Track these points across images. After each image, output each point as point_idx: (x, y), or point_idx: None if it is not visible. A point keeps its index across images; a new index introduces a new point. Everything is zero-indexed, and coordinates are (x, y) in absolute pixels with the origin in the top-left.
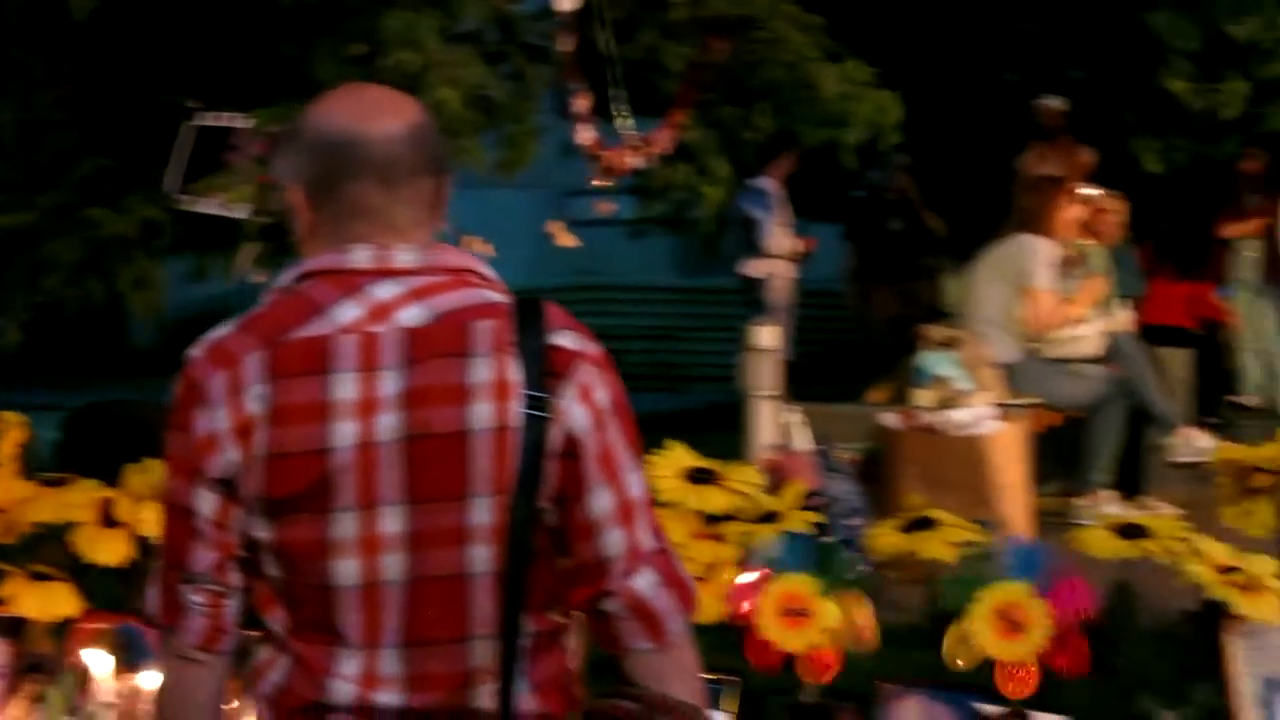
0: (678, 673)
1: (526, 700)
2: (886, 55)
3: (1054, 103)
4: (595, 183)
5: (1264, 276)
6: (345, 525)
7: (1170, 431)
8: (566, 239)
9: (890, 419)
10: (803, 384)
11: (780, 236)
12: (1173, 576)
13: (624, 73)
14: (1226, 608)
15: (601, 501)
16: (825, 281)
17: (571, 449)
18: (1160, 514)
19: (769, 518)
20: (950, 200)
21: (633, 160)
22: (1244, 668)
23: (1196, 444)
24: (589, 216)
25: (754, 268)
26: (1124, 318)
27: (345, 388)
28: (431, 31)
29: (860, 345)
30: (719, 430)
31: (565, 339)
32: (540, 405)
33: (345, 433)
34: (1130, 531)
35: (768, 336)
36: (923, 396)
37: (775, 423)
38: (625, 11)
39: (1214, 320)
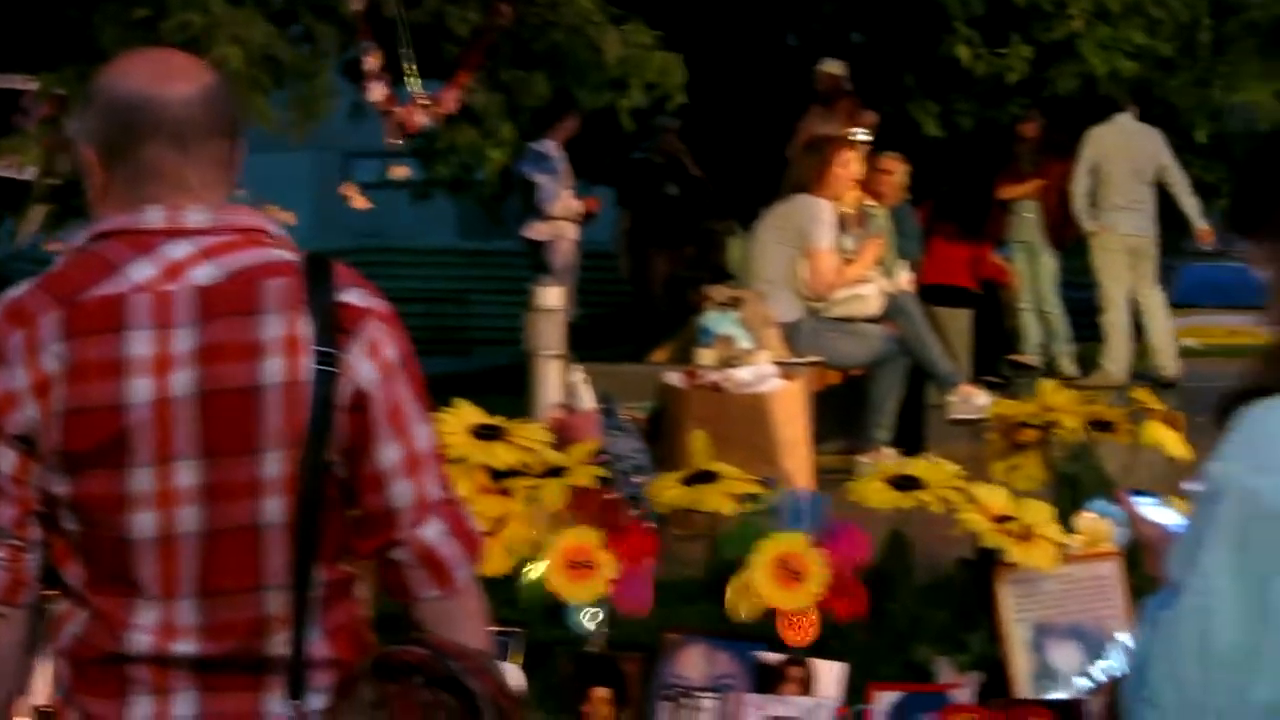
0: (465, 619)
1: (319, 647)
2: (669, 18)
3: (833, 66)
4: (388, 141)
5: (1042, 237)
6: (141, 479)
7: (950, 389)
8: (360, 201)
9: (674, 378)
10: (587, 345)
11: (563, 199)
12: (949, 526)
13: (411, 35)
14: (1000, 555)
15: (390, 454)
16: (609, 244)
17: (360, 403)
18: (935, 465)
19: (555, 473)
20: (734, 163)
21: (422, 119)
22: (1015, 614)
23: (975, 401)
24: (373, 179)
25: (537, 230)
26: (904, 278)
27: (140, 345)
28: None
29: (641, 307)
30: (503, 392)
31: (353, 296)
32: (330, 360)
33: (141, 389)
34: (905, 483)
35: (552, 297)
36: (705, 355)
37: (560, 382)
38: None
39: (993, 280)
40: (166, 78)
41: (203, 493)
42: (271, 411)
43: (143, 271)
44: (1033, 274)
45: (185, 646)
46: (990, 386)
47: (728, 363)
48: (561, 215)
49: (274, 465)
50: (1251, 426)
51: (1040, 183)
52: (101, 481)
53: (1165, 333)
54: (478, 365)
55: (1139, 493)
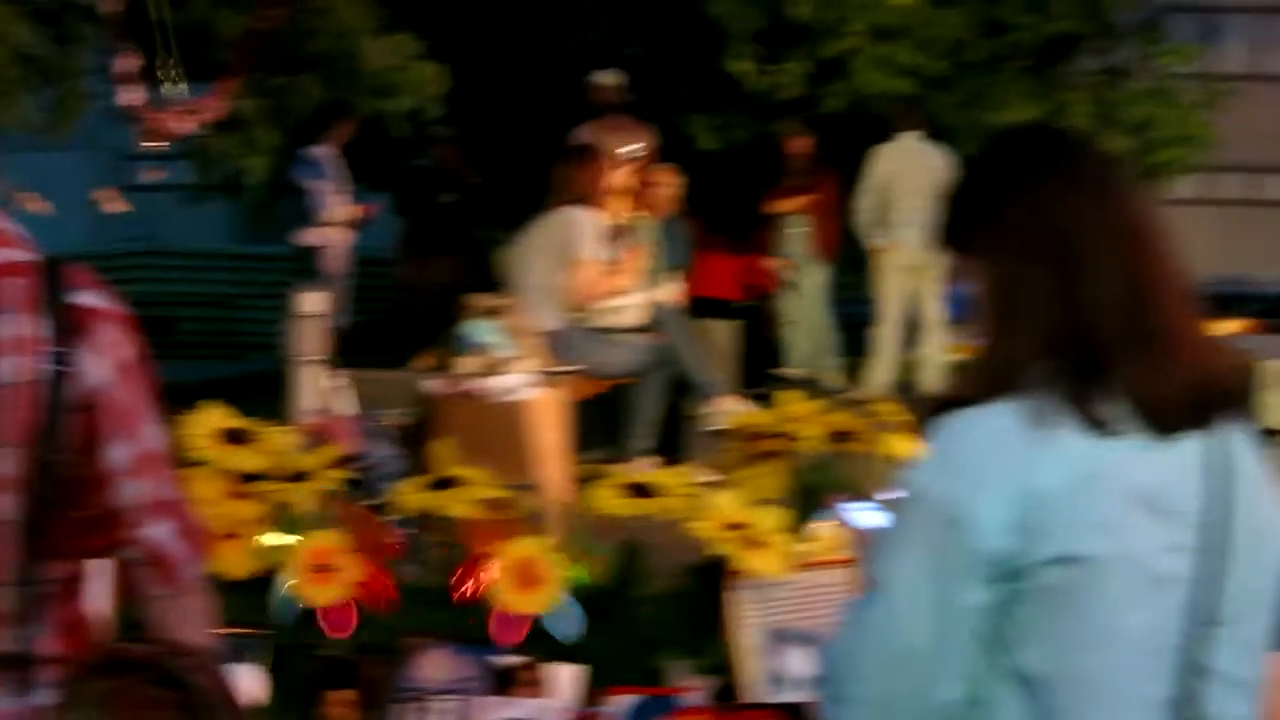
0: (192, 618)
1: (46, 643)
2: (442, 29)
3: (607, 78)
4: (143, 145)
5: (812, 252)
6: None
7: (710, 400)
8: (116, 205)
9: (434, 385)
10: (357, 351)
11: (335, 204)
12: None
13: (177, 39)
14: (732, 562)
15: (120, 454)
16: (383, 250)
17: (92, 403)
18: (673, 472)
19: (300, 477)
20: (508, 172)
21: (179, 125)
22: (747, 620)
23: (734, 413)
24: (149, 182)
25: (309, 236)
26: (669, 289)
27: None
28: None
29: (413, 314)
30: (272, 397)
31: (88, 298)
32: (63, 360)
33: None
34: (639, 490)
35: (311, 302)
36: (465, 363)
37: (318, 388)
38: None
39: (763, 293)
40: None
41: None
42: (5, 410)
43: None
44: (802, 288)
45: None
46: (756, 399)
47: (487, 371)
48: (333, 221)
49: (6, 463)
50: (947, 437)
51: (810, 198)
52: None
53: (937, 349)
54: (248, 370)
55: (858, 500)
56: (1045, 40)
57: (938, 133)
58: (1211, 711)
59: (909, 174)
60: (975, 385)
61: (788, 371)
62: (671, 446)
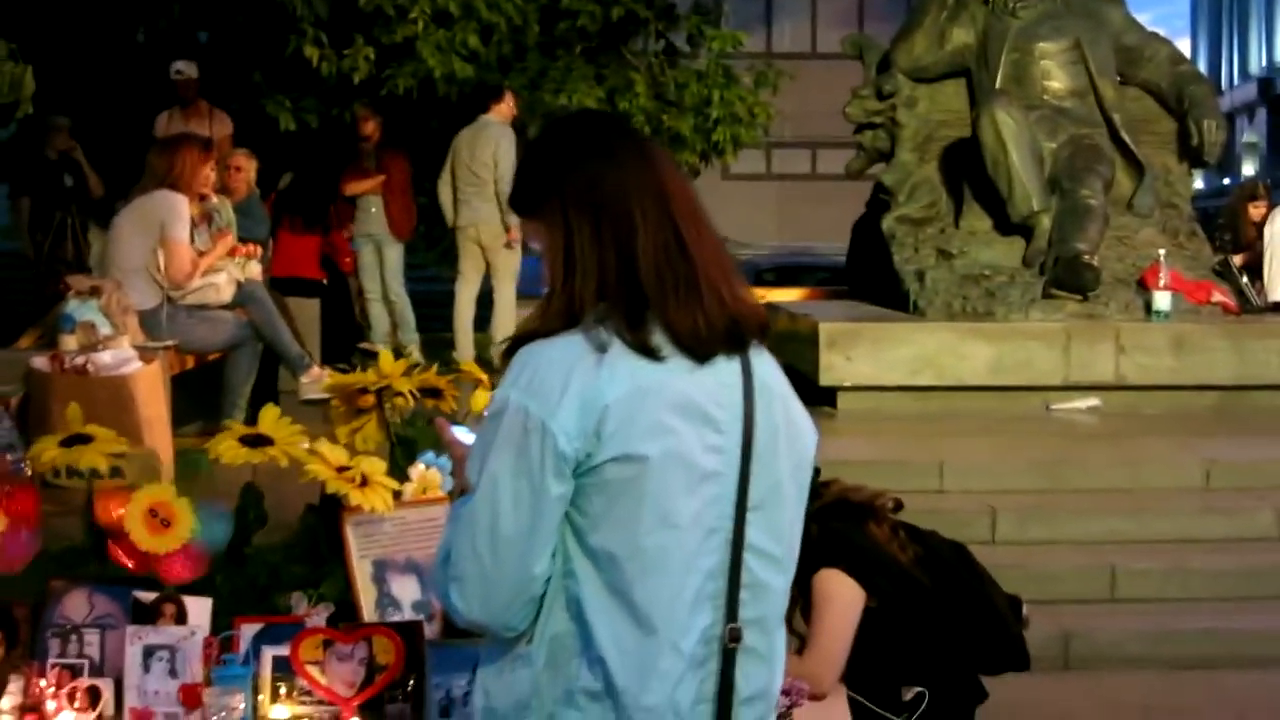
0: None
1: None
2: (21, 28)
3: (184, 68)
4: None
5: (387, 230)
6: None
7: (301, 372)
8: None
9: (40, 362)
10: None
11: None
12: (298, 479)
13: None
14: (344, 500)
15: None
16: None
17: None
18: (284, 424)
19: None
20: (108, 160)
21: None
22: (358, 552)
23: (325, 383)
24: None
25: None
26: (254, 268)
27: None
28: None
29: (18, 294)
30: None
31: None
32: None
33: None
34: (256, 441)
35: None
36: (69, 341)
37: None
38: None
39: (339, 271)
40: None
41: None
42: None
43: None
44: (379, 266)
45: None
46: (340, 372)
47: (90, 348)
48: None
49: None
50: (523, 362)
51: (382, 178)
52: None
53: (504, 323)
54: None
55: (455, 423)
56: (605, 24)
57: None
58: (751, 579)
59: (476, 148)
60: (545, 322)
61: (369, 346)
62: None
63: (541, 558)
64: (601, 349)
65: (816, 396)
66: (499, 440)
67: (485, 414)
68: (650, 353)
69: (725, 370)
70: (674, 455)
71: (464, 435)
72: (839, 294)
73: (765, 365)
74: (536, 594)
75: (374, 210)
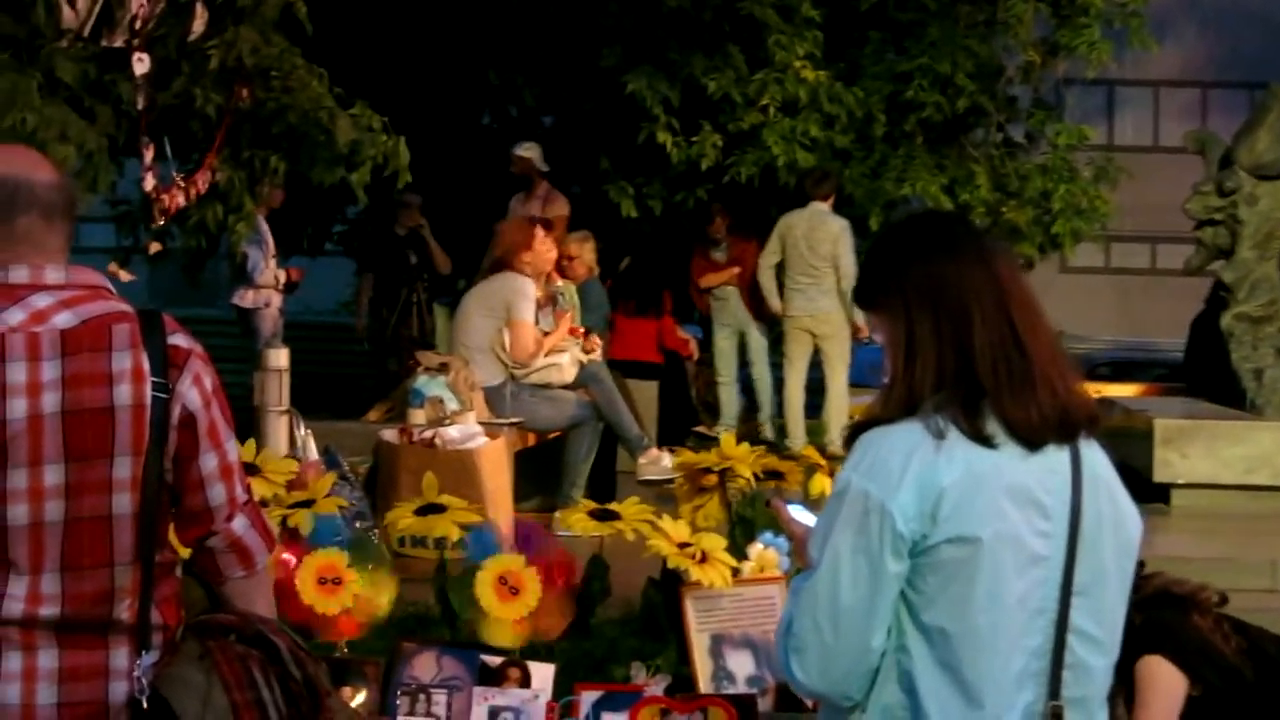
0: (261, 595)
1: (152, 614)
2: (388, 101)
3: (527, 150)
4: (156, 224)
5: (749, 316)
6: (18, 479)
7: (640, 452)
8: (125, 275)
9: (389, 435)
10: (303, 404)
11: (269, 268)
12: (641, 553)
13: (160, 117)
14: (684, 575)
15: (209, 462)
16: (327, 312)
17: (187, 421)
18: (629, 504)
19: (305, 504)
20: (454, 239)
21: (180, 200)
22: (697, 625)
23: (662, 464)
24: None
25: (245, 297)
26: (596, 350)
27: (16, 373)
28: (34, 91)
29: (369, 368)
30: None
31: (179, 339)
32: (164, 389)
33: (18, 408)
34: (604, 515)
35: (278, 358)
36: (417, 415)
37: (286, 437)
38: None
39: (677, 354)
40: (37, 166)
41: (65, 490)
42: (122, 427)
43: (15, 316)
44: (738, 351)
45: (48, 610)
46: (682, 451)
47: (437, 422)
48: (267, 284)
49: (123, 469)
50: (865, 446)
51: (736, 270)
52: None
53: (838, 411)
54: None
55: (791, 502)
56: (948, 118)
57: (841, 201)
58: (1074, 659)
59: (804, 242)
60: (886, 410)
61: (705, 430)
62: (603, 497)
63: (879, 631)
64: (939, 436)
65: (1150, 493)
66: (841, 520)
67: (830, 495)
68: (985, 440)
69: (1055, 459)
70: (1005, 538)
71: (800, 515)
72: (1176, 390)
73: (1094, 455)
74: (873, 665)
75: (731, 300)
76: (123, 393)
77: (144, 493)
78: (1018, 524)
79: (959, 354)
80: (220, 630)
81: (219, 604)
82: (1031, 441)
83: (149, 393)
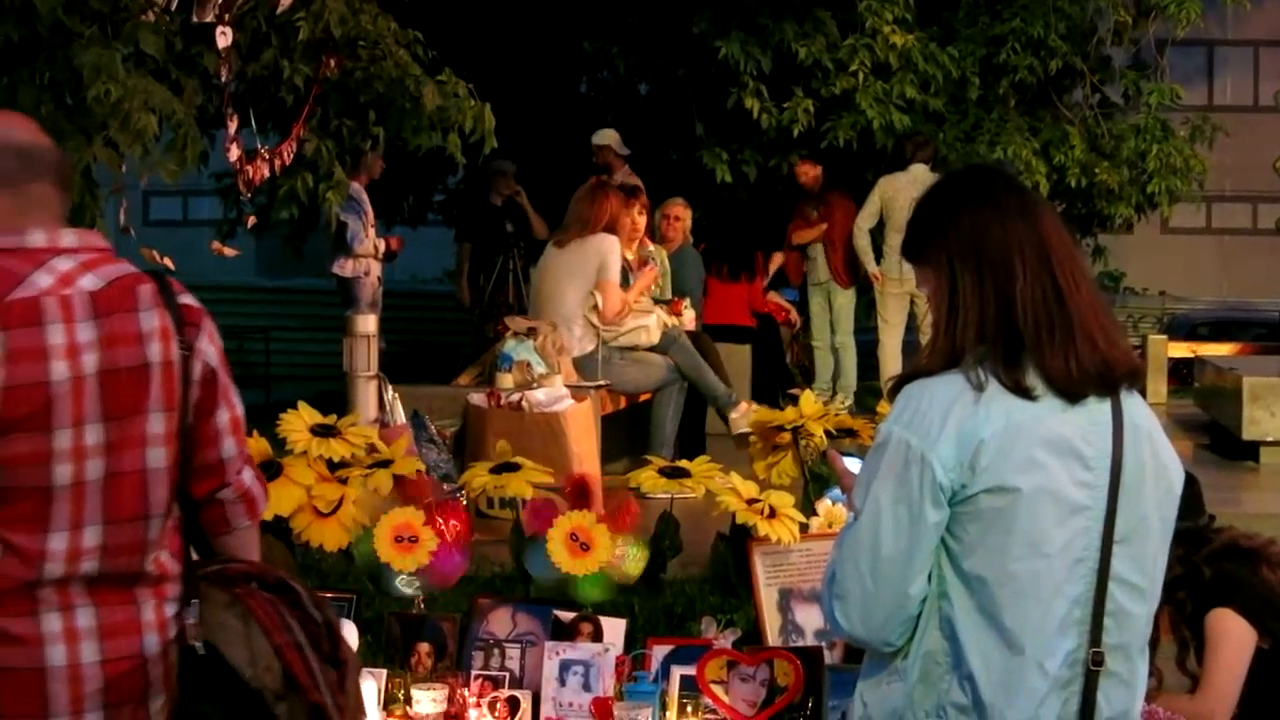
0: (255, 544)
1: (171, 564)
2: (475, 69)
3: (605, 138)
4: (243, 195)
5: (835, 278)
6: (62, 439)
7: (729, 409)
8: (230, 251)
9: (477, 398)
10: (393, 370)
11: (368, 237)
12: (711, 510)
13: (249, 88)
14: (752, 530)
15: (224, 417)
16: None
17: (209, 377)
18: (699, 461)
19: (383, 464)
20: (550, 206)
21: (265, 171)
22: (765, 579)
23: (751, 418)
24: (172, 217)
25: (345, 267)
26: (688, 315)
27: (55, 335)
28: (118, 63)
29: (461, 335)
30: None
31: (188, 298)
32: (188, 346)
33: (60, 369)
34: (674, 473)
35: (366, 324)
36: (505, 379)
37: (375, 401)
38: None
39: (771, 318)
40: (40, 133)
41: (105, 448)
42: (155, 384)
43: (44, 280)
44: (829, 313)
45: (88, 565)
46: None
47: (525, 385)
48: (366, 253)
49: (158, 424)
50: (907, 398)
51: (824, 226)
52: (28, 442)
53: None
54: (276, 399)
55: (846, 453)
56: (1040, 81)
57: (934, 166)
58: (1115, 607)
59: (907, 203)
60: (928, 362)
61: (796, 393)
62: (691, 458)
63: (918, 579)
64: (979, 388)
65: (1239, 451)
66: (882, 470)
67: (872, 446)
68: (1024, 392)
69: (1096, 410)
70: (1044, 489)
71: (855, 466)
72: (1271, 349)
73: (1135, 405)
74: (913, 613)
75: (818, 259)
76: (154, 350)
77: (179, 446)
78: (1058, 474)
79: (1000, 307)
80: (241, 579)
81: (211, 555)
82: (1071, 394)
83: (176, 350)
